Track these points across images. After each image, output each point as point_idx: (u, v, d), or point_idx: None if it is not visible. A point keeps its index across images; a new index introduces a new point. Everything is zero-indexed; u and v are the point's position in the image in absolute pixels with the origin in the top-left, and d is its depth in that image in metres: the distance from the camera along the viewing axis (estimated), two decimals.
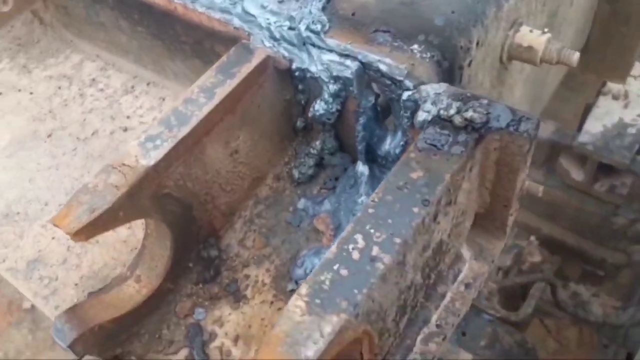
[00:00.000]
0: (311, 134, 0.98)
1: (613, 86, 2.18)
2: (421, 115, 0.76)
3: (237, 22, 0.91)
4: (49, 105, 1.20)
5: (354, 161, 0.96)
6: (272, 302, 0.87)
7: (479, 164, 0.75)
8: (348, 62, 0.84)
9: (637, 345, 2.19)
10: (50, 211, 1.03)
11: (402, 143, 0.87)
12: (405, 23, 0.87)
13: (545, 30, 1.00)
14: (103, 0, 1.11)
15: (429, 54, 0.83)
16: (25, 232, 1.00)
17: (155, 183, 0.75)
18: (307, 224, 0.94)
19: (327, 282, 0.60)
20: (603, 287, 2.40)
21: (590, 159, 2.10)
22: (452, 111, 0.72)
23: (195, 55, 1.04)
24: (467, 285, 0.84)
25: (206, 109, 0.80)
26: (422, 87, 0.77)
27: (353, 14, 0.89)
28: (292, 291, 0.87)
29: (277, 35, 0.89)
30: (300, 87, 0.91)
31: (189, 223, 0.85)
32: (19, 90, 1.25)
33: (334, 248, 0.62)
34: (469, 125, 0.71)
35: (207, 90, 0.82)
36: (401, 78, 0.81)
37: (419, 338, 0.80)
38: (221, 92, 0.81)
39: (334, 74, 0.85)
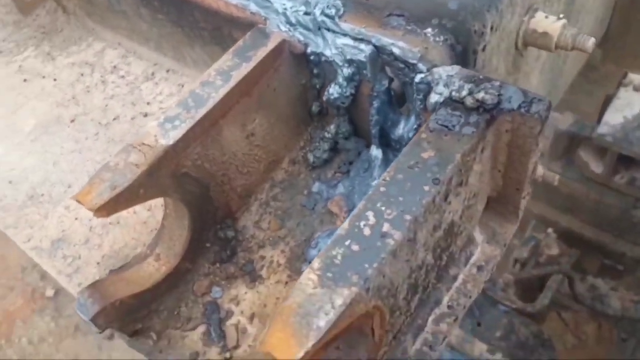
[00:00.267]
0: (326, 118, 0.99)
1: (634, 77, 2.15)
2: (433, 97, 0.77)
3: (253, 7, 0.93)
4: (72, 92, 1.23)
5: (367, 145, 0.98)
6: (286, 282, 0.89)
7: (491, 146, 0.76)
8: (362, 45, 0.85)
9: None
10: (73, 193, 1.06)
11: (415, 126, 0.88)
12: (419, 7, 0.87)
13: (561, 16, 1.00)
14: None
15: (442, 38, 0.84)
16: (50, 213, 1.03)
17: (174, 162, 0.78)
18: (321, 206, 0.96)
19: (339, 257, 0.61)
20: (622, 281, 2.37)
21: (610, 150, 2.07)
22: (464, 92, 0.73)
23: (214, 42, 1.06)
24: (479, 268, 0.85)
25: (222, 91, 0.82)
26: (435, 70, 0.78)
27: None
28: None
29: (293, 20, 0.91)
30: (315, 71, 0.92)
31: (207, 203, 0.87)
32: (43, 77, 1.29)
33: (345, 224, 0.64)
34: (480, 107, 0.72)
35: (223, 73, 0.84)
36: (414, 61, 0.82)
37: (431, 318, 0.81)
38: (237, 75, 0.83)
39: (348, 57, 0.86)
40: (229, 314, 0.87)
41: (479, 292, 0.85)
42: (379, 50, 0.84)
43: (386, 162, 0.94)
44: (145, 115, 1.16)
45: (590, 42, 0.99)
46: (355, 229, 0.63)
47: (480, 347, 1.71)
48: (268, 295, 0.88)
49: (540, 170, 0.97)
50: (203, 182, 0.85)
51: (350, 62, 0.86)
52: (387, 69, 0.87)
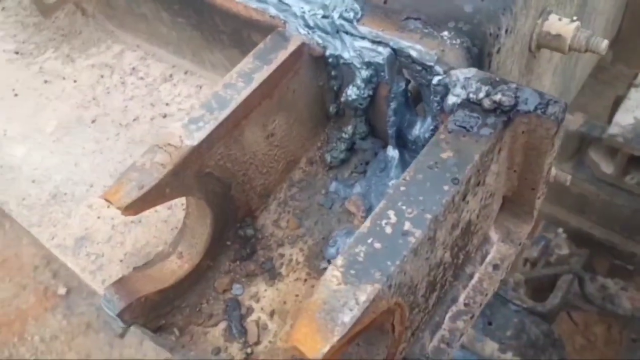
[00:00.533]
0: (343, 119, 1.01)
1: None
2: (451, 99, 0.79)
3: (273, 10, 0.95)
4: (92, 93, 1.26)
5: (384, 146, 0.99)
6: (305, 280, 0.91)
7: (507, 146, 0.77)
8: (380, 48, 0.87)
9: None
10: (95, 192, 1.09)
11: (431, 128, 0.90)
12: (435, 10, 0.89)
13: (574, 18, 1.02)
14: None
15: (458, 41, 0.86)
16: (73, 212, 1.06)
17: (198, 162, 0.80)
18: (338, 206, 0.98)
19: (362, 255, 0.63)
20: (632, 281, 2.38)
21: (620, 151, 2.08)
22: (481, 94, 0.75)
23: (233, 45, 1.08)
24: (495, 267, 0.87)
25: (245, 93, 0.84)
26: (452, 72, 0.80)
27: (385, 2, 0.92)
28: (325, 269, 0.91)
29: (311, 24, 0.93)
30: (333, 73, 0.94)
31: (228, 203, 0.90)
32: (64, 79, 1.31)
33: (367, 223, 0.66)
34: (497, 108, 0.74)
35: (245, 76, 0.86)
36: (431, 64, 0.83)
37: (448, 316, 0.83)
38: (259, 77, 0.85)
39: (366, 60, 0.88)
40: (250, 310, 0.89)
41: (494, 291, 0.87)
42: (396, 52, 0.86)
43: (403, 162, 0.96)
44: (164, 116, 1.19)
45: (604, 44, 1.01)
46: (377, 228, 0.65)
47: (491, 346, 1.72)
48: (287, 293, 0.90)
49: (552, 170, 0.99)
50: (225, 182, 0.87)
51: (368, 64, 0.88)
52: (404, 71, 0.89)
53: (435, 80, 0.81)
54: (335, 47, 0.91)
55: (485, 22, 0.87)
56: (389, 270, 0.62)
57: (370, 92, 0.91)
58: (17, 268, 4.03)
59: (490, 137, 0.71)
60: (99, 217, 1.05)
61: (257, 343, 0.85)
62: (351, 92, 0.91)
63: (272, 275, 0.92)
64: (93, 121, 1.20)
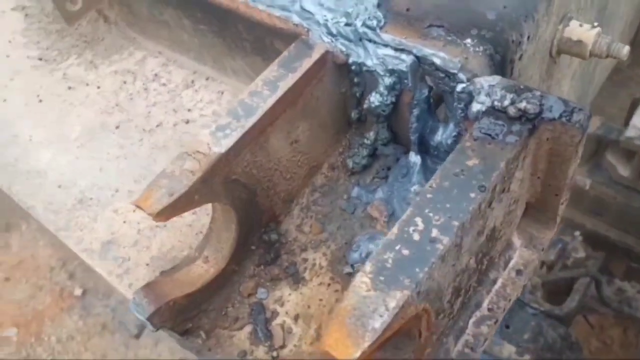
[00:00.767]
0: (364, 125, 1.02)
1: None
2: (475, 107, 0.79)
3: (296, 19, 0.96)
4: (116, 99, 1.28)
5: (405, 151, 1.00)
6: (329, 284, 0.92)
7: (532, 153, 0.78)
8: (403, 56, 0.88)
9: None
10: (120, 197, 1.11)
11: (454, 134, 0.91)
12: (458, 18, 0.90)
13: (595, 24, 1.02)
14: (167, 0, 1.18)
15: (481, 48, 0.87)
16: (99, 216, 1.08)
17: (226, 169, 0.81)
18: (360, 211, 0.99)
19: (390, 261, 0.64)
20: None
21: (637, 154, 2.07)
22: (506, 102, 0.76)
23: (255, 52, 1.10)
24: (518, 272, 0.87)
25: (270, 101, 0.85)
26: (476, 80, 0.81)
27: (407, 10, 0.93)
28: (348, 274, 0.92)
29: (334, 31, 0.94)
30: (356, 80, 0.95)
31: (253, 208, 0.91)
32: (87, 85, 1.34)
33: (395, 229, 0.67)
34: (522, 116, 0.75)
35: (270, 84, 0.87)
36: (455, 71, 0.84)
37: (472, 321, 0.84)
38: (284, 85, 0.87)
39: (390, 67, 0.89)
40: (274, 314, 0.90)
41: (518, 296, 0.88)
42: (419, 60, 0.87)
43: (424, 168, 0.97)
44: (187, 121, 1.21)
45: (626, 50, 1.01)
46: (405, 234, 0.66)
47: (508, 349, 1.72)
48: (311, 297, 0.92)
49: None
50: (251, 188, 0.89)
51: (391, 72, 0.89)
52: (427, 77, 0.90)
53: (460, 87, 0.82)
54: (358, 55, 0.92)
55: (508, 30, 0.88)
56: (417, 277, 0.63)
57: (393, 99, 0.92)
58: (33, 269, 4.08)
59: (516, 145, 0.72)
60: (124, 222, 1.07)
61: (283, 347, 0.87)
62: (374, 99, 0.92)
63: (296, 279, 0.94)
64: (117, 127, 1.22)
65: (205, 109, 1.23)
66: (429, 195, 0.69)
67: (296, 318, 0.90)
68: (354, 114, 1.01)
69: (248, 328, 0.90)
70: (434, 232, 0.66)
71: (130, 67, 1.34)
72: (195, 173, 0.78)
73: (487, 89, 0.79)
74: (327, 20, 0.95)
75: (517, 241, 0.90)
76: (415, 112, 0.92)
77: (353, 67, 0.93)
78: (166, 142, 1.18)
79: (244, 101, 0.85)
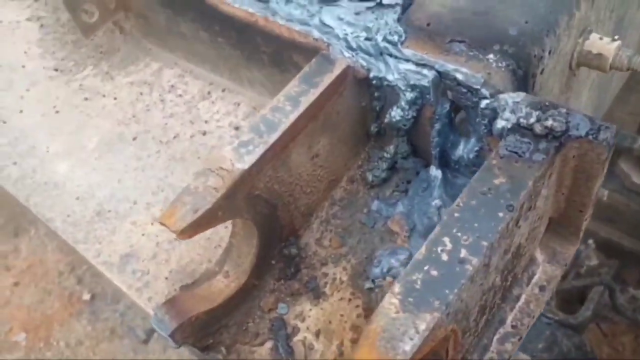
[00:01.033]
0: (384, 138, 1.02)
1: None
2: (500, 123, 0.79)
3: (316, 33, 0.96)
4: (132, 110, 1.28)
5: (425, 165, 1.00)
6: (350, 300, 0.92)
7: (557, 170, 0.78)
8: (425, 71, 0.88)
9: None
10: (138, 209, 1.11)
11: (476, 149, 0.90)
12: (479, 33, 0.90)
13: (616, 37, 1.01)
14: (185, 13, 1.18)
15: (504, 63, 0.86)
16: (117, 229, 1.08)
17: (249, 185, 0.81)
18: (381, 224, 0.99)
19: (419, 282, 0.64)
20: None
21: None
22: (532, 120, 0.75)
23: (273, 64, 1.10)
24: (542, 288, 0.87)
25: (292, 117, 0.85)
26: (501, 96, 0.80)
27: (428, 24, 0.93)
28: (369, 289, 0.92)
29: (354, 46, 0.94)
30: (376, 94, 0.95)
31: (274, 223, 0.91)
32: (104, 96, 1.34)
33: (423, 249, 0.66)
34: (549, 134, 0.74)
35: (292, 99, 0.87)
36: (478, 87, 0.84)
37: (495, 337, 0.83)
38: (306, 101, 0.87)
39: (411, 82, 0.89)
40: (295, 330, 0.90)
41: (541, 312, 0.87)
42: (441, 75, 0.87)
43: (445, 182, 0.97)
44: (204, 133, 1.21)
45: None
46: (433, 254, 0.66)
47: (523, 359, 1.71)
48: (332, 312, 0.91)
49: None
50: (272, 203, 0.88)
51: (413, 87, 0.89)
52: (448, 92, 0.90)
53: (484, 104, 0.82)
54: (379, 70, 0.92)
55: (530, 45, 0.88)
56: (447, 298, 0.62)
57: (415, 114, 0.92)
58: (42, 274, 4.09)
59: (543, 163, 0.72)
60: (143, 234, 1.07)
61: None
62: (395, 114, 0.92)
63: (317, 294, 0.93)
64: (134, 138, 1.22)
65: (222, 120, 1.23)
66: (456, 215, 0.69)
67: (317, 334, 0.89)
68: (373, 128, 1.01)
69: (269, 344, 0.89)
70: (463, 253, 0.65)
71: (146, 78, 1.34)
72: (219, 190, 0.78)
73: (512, 106, 0.78)
74: (347, 34, 0.94)
75: (540, 256, 0.89)
76: (437, 126, 0.92)
77: (374, 82, 0.93)
78: (183, 154, 1.18)
79: (266, 117, 0.85)
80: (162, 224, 0.76)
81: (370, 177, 1.01)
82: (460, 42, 0.89)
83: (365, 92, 0.96)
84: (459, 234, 0.67)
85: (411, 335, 0.59)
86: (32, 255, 4.15)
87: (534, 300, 0.86)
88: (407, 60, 0.90)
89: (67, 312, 3.91)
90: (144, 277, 1.01)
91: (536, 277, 0.87)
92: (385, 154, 1.00)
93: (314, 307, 0.92)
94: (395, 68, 0.91)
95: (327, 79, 0.89)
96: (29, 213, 1.17)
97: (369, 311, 0.90)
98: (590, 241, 2.23)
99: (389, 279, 0.92)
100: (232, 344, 0.89)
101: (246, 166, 0.80)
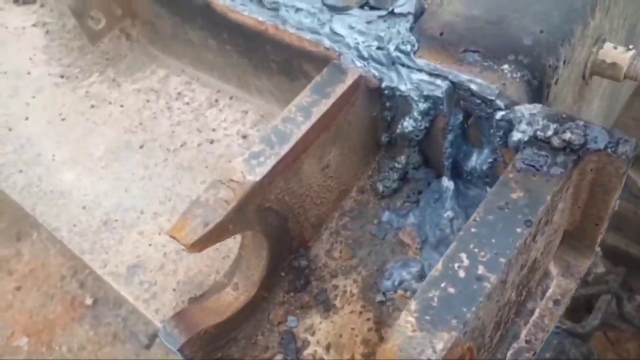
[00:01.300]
0: (394, 148, 1.01)
1: None
2: (516, 135, 0.78)
3: (327, 42, 0.95)
4: (139, 118, 1.27)
5: (437, 176, 0.99)
6: (360, 313, 0.91)
7: (574, 184, 0.76)
8: (438, 81, 0.87)
9: None
10: (145, 219, 1.09)
11: (490, 160, 0.89)
12: (493, 43, 0.88)
13: (630, 47, 1.00)
14: (193, 21, 1.17)
15: (519, 74, 0.85)
16: (124, 239, 1.07)
17: (260, 197, 0.80)
18: (391, 236, 0.97)
19: (435, 299, 0.62)
20: None
21: None
22: (549, 132, 0.74)
23: (282, 73, 1.08)
24: (556, 302, 0.85)
25: (304, 128, 0.84)
26: (517, 108, 0.79)
27: (441, 34, 0.91)
28: (381, 302, 0.90)
29: (365, 55, 0.93)
30: (388, 104, 0.94)
31: (284, 234, 0.89)
32: (110, 103, 1.33)
33: (439, 265, 0.65)
34: (567, 147, 0.73)
35: (303, 110, 0.86)
36: (492, 97, 0.83)
37: (509, 352, 0.82)
38: (317, 112, 0.85)
39: (425, 93, 0.88)
40: (305, 343, 0.89)
41: (555, 326, 0.86)
42: (455, 86, 0.86)
43: (457, 193, 0.95)
44: (212, 141, 1.19)
45: None
46: (450, 271, 0.65)
47: None
48: (343, 325, 0.90)
49: None
50: (283, 215, 0.87)
51: (426, 97, 0.88)
52: (461, 103, 0.88)
53: (499, 115, 0.80)
54: (391, 79, 0.91)
55: (545, 55, 0.87)
56: (465, 317, 0.61)
57: (427, 124, 0.90)
58: (44, 278, 4.08)
59: (561, 177, 0.70)
60: (150, 245, 1.05)
61: None
62: (408, 124, 0.91)
63: (327, 307, 0.92)
64: (141, 146, 1.21)
65: (230, 128, 1.22)
66: (473, 230, 0.67)
67: (328, 348, 0.88)
68: (384, 138, 0.99)
69: (278, 357, 0.88)
70: (481, 269, 0.64)
71: (153, 86, 1.33)
72: (230, 202, 0.76)
73: (528, 118, 0.77)
74: (358, 43, 0.93)
75: (554, 270, 0.88)
76: (450, 137, 0.90)
77: (386, 92, 0.92)
78: (191, 162, 1.17)
79: (278, 128, 0.84)
80: (172, 237, 0.74)
81: (381, 187, 1.00)
82: (474, 51, 0.88)
83: (376, 101, 0.94)
84: (476, 250, 0.65)
85: (429, 355, 0.58)
86: (35, 260, 4.13)
87: (548, 314, 0.84)
88: (420, 70, 0.88)
89: (69, 316, 3.90)
90: (152, 289, 0.99)
91: (550, 290, 0.86)
92: (396, 164, 0.99)
93: (324, 320, 0.90)
94: (408, 78, 0.89)
95: (340, 89, 0.88)
96: (31, 217, 1.16)
97: (380, 324, 0.89)
98: (597, 248, 2.21)
99: (400, 291, 0.91)
100: (241, 357, 0.88)
101: (257, 178, 0.79)
